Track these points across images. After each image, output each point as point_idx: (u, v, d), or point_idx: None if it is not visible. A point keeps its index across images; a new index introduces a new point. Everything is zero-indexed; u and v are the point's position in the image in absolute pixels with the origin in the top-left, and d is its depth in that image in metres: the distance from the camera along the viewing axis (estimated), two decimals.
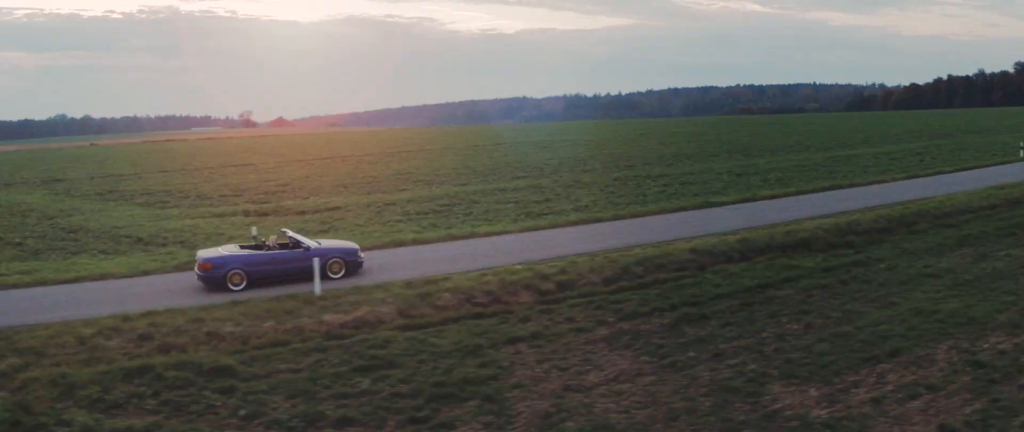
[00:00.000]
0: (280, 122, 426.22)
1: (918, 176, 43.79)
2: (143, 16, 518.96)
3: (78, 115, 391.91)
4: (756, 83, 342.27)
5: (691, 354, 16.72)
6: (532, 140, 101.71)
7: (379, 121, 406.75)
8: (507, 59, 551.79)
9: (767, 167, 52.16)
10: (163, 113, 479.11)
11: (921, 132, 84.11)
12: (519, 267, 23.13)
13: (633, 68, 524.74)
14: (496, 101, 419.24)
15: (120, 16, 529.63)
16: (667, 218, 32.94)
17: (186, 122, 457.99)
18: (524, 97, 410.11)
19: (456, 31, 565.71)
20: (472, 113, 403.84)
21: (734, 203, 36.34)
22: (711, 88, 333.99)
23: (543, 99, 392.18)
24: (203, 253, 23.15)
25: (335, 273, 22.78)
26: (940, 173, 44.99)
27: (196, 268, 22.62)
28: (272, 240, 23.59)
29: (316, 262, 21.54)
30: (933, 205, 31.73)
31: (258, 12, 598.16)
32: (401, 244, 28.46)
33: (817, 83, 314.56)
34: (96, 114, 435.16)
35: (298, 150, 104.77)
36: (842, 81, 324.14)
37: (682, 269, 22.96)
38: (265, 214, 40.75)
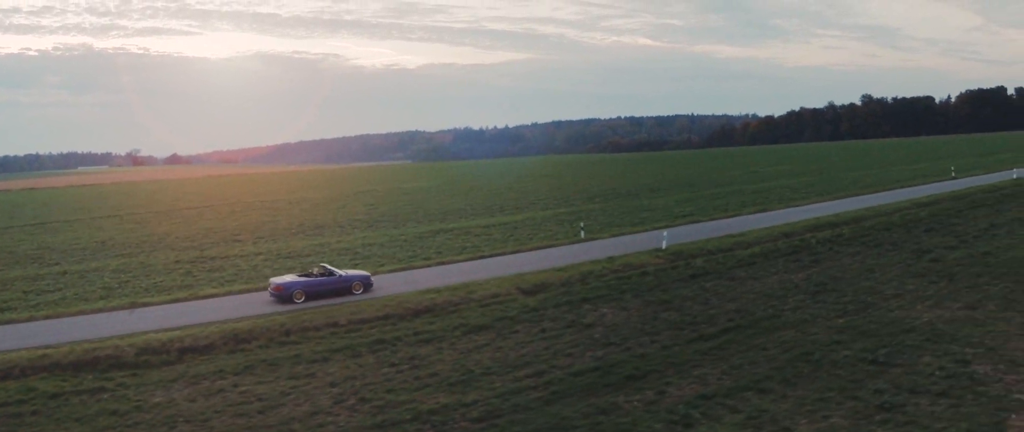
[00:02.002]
0: (175, 159, 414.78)
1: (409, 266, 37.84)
2: (58, 53, 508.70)
3: None
4: (636, 115, 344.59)
5: None
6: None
7: (276, 157, 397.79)
8: (407, 94, 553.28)
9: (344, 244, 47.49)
10: (66, 150, 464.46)
11: (611, 192, 73.90)
12: None
13: (523, 101, 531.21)
14: (389, 135, 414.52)
15: (36, 53, 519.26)
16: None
17: (86, 159, 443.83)
18: (416, 131, 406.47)
19: (361, 66, 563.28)
20: (366, 147, 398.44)
21: (167, 303, 31.60)
22: (593, 120, 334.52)
23: (434, 132, 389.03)
24: (275, 279, 31.53)
25: (357, 291, 31.51)
26: (451, 260, 38.60)
27: (270, 290, 30.83)
28: (316, 270, 32.21)
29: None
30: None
31: (170, 49, 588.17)
32: None
33: (693, 114, 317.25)
34: None
35: (92, 202, 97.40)
36: (718, 112, 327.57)
37: None
38: None
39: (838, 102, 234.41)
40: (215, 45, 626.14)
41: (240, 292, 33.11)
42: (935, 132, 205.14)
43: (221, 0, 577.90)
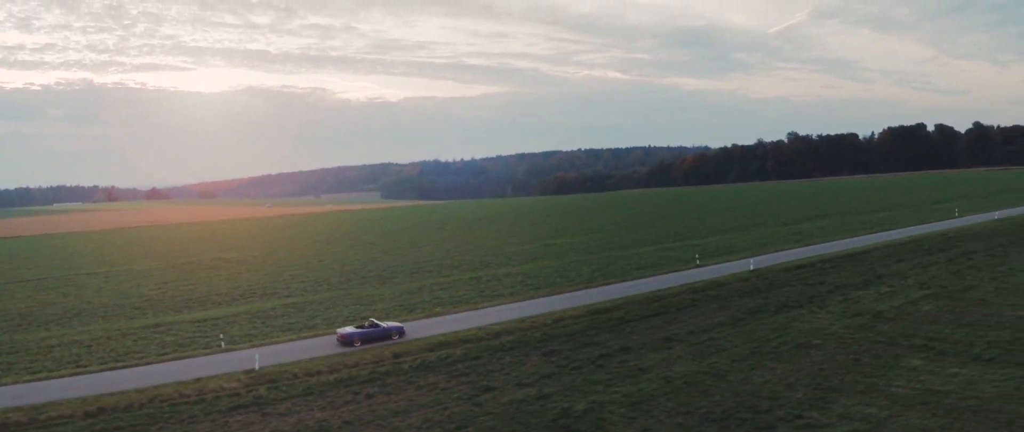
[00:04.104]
0: (154, 193, 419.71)
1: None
2: (60, 88, 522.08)
3: None
4: (596, 147, 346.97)
5: None
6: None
7: (254, 188, 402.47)
8: (389, 126, 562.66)
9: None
10: (56, 183, 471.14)
11: (383, 274, 72.86)
12: None
13: (497, 133, 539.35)
14: (363, 167, 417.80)
15: (39, 87, 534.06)
16: None
17: (72, 194, 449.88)
18: (389, 163, 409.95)
19: (346, 100, 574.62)
20: (340, 178, 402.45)
21: None
22: (554, 152, 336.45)
23: (405, 164, 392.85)
24: (340, 330, 43.25)
25: (394, 338, 42.63)
26: (77, 372, 39.17)
27: (337, 338, 42.76)
28: (367, 323, 43.44)
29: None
30: None
31: (166, 84, 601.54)
32: None
33: (649, 146, 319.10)
34: None
35: None
36: (674, 144, 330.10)
37: None
38: None
39: (795, 133, 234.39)
40: (209, 80, 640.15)
41: None
42: (858, 170, 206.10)
43: (214, 37, 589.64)
